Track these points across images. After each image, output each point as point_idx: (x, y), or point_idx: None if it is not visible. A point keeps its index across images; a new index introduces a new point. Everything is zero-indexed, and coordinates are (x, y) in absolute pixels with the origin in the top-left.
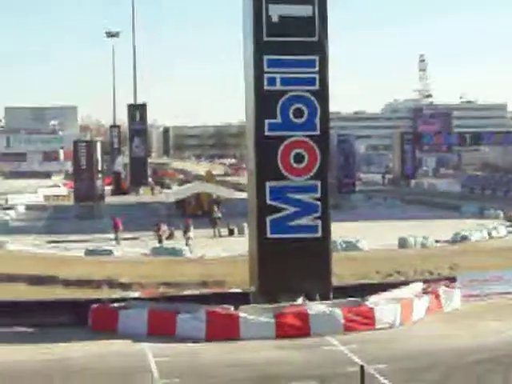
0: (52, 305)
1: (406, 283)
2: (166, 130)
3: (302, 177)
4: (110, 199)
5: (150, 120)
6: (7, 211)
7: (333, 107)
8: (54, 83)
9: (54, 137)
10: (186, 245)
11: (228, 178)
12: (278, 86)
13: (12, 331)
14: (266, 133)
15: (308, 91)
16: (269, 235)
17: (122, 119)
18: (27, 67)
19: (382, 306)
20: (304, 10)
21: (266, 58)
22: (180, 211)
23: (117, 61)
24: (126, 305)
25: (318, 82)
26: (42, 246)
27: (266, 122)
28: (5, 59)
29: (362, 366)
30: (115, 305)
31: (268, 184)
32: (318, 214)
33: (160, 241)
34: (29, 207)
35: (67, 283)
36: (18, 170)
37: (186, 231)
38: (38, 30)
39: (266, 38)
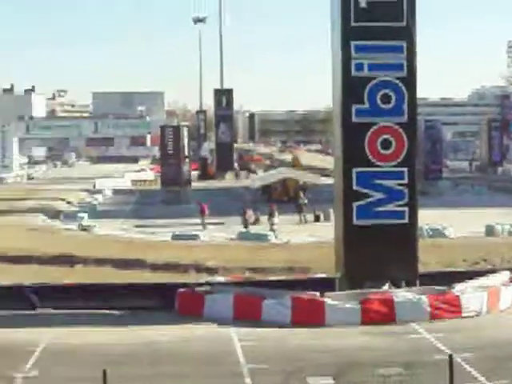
0: (140, 288)
1: (493, 271)
2: (252, 116)
3: (389, 163)
4: (196, 184)
5: (236, 105)
6: (95, 195)
7: (420, 93)
8: (141, 68)
9: (142, 122)
10: (271, 230)
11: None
12: (366, 72)
13: (102, 314)
14: (354, 119)
15: (396, 77)
16: (355, 221)
17: (208, 104)
18: (115, 53)
19: (469, 293)
20: None
21: (353, 43)
22: (265, 197)
23: (203, 46)
24: (211, 289)
25: (405, 68)
26: (129, 230)
27: (354, 107)
28: (92, 44)
29: (450, 356)
30: (201, 289)
31: (355, 170)
32: (404, 201)
33: (246, 226)
34: (116, 192)
35: (154, 267)
36: (105, 155)
37: (270, 217)
38: (126, 15)
39: (353, 24)
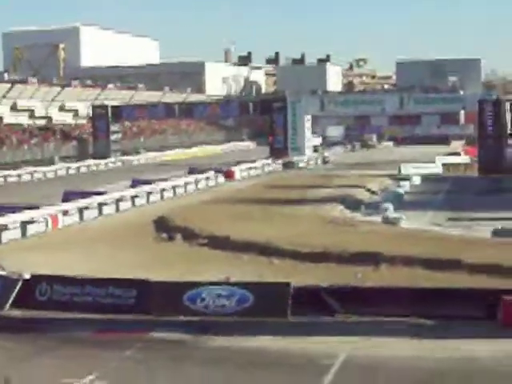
0: (454, 294)
1: None
2: None
3: None
4: None
5: None
6: (401, 183)
7: None
8: (453, 33)
9: (454, 96)
10: None
11: None
12: None
13: (409, 322)
14: None
15: None
16: None
17: None
18: (418, 16)
19: None
20: None
21: None
22: None
23: None
24: None
25: None
26: (440, 224)
27: None
28: (392, 6)
29: None
30: None
31: None
32: None
33: None
34: (425, 178)
35: (472, 269)
36: (411, 135)
37: None
38: None
39: None
